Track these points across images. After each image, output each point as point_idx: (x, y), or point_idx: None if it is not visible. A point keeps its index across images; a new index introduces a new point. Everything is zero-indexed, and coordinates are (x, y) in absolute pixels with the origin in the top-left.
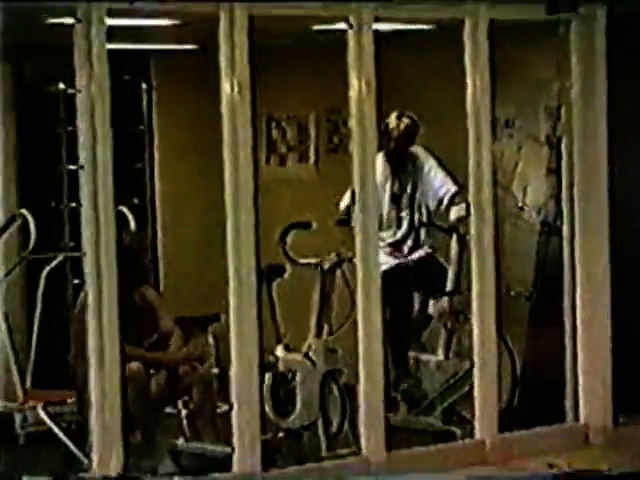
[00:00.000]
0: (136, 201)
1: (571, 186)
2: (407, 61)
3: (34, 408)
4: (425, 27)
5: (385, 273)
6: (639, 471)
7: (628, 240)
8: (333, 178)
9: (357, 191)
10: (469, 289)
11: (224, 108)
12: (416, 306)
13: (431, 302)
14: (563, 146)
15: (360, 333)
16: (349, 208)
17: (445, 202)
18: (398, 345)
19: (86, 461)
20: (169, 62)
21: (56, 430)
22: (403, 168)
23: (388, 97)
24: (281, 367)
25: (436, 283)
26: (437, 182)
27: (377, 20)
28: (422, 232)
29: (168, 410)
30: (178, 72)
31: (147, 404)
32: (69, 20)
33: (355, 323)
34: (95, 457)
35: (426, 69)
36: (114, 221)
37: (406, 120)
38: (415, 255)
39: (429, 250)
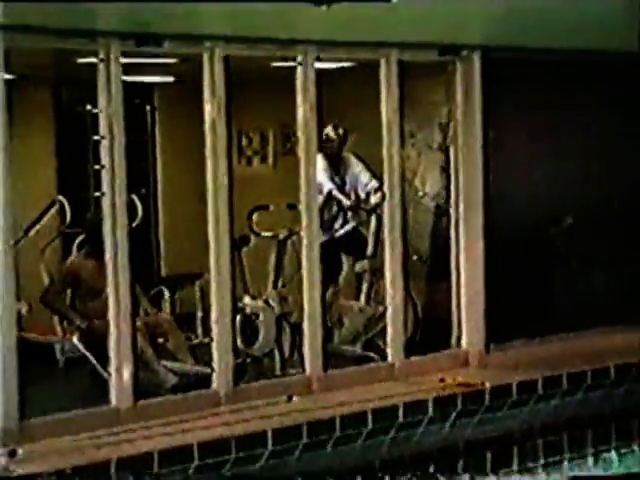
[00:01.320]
0: (143, 191)
1: (457, 180)
2: (340, 89)
3: (70, 340)
4: (353, 64)
5: (324, 242)
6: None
7: (496, 218)
8: (285, 174)
9: (302, 183)
10: (383, 254)
11: (207, 123)
12: (345, 266)
13: (357, 264)
14: (451, 152)
15: (305, 285)
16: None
17: (370, 193)
18: (334, 291)
19: (106, 374)
20: (167, 90)
21: (87, 354)
22: (337, 167)
23: (327, 115)
24: (248, 310)
25: (360, 249)
26: (363, 179)
27: (318, 59)
28: (349, 213)
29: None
30: (173, 97)
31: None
32: (94, 59)
33: (301, 278)
34: (112, 371)
35: (354, 95)
36: (126, 206)
37: (340, 131)
38: (345, 229)
39: (355, 225)
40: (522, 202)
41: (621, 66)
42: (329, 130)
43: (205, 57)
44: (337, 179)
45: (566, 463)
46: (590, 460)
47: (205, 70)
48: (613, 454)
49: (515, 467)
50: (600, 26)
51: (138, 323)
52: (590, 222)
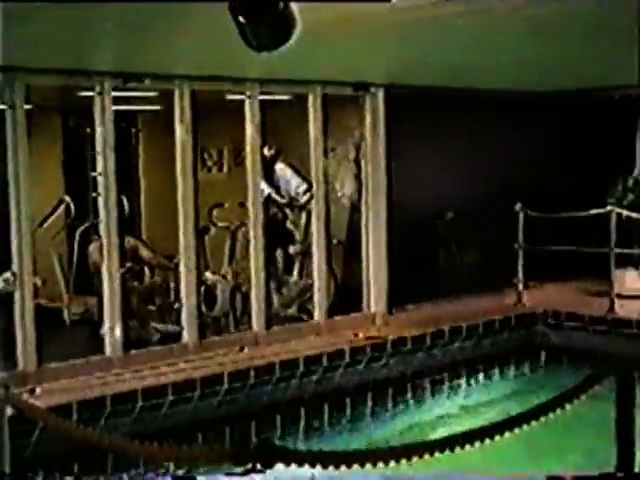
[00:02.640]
0: (129, 193)
1: (366, 184)
2: (279, 116)
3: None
4: (288, 97)
5: (267, 231)
6: None
7: (396, 213)
8: (237, 180)
9: (249, 187)
10: (311, 239)
11: (177, 142)
12: (281, 249)
13: (291, 247)
14: (362, 163)
15: (252, 263)
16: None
17: (300, 193)
18: (274, 268)
19: (102, 330)
20: (148, 116)
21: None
22: (273, 176)
23: (271, 134)
24: (209, 282)
25: (293, 236)
26: (294, 182)
27: (262, 93)
28: (289, 209)
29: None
30: (152, 122)
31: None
32: (92, 93)
33: (249, 258)
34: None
35: (289, 120)
36: (116, 203)
37: (273, 150)
38: (284, 220)
39: (290, 218)
40: (416, 201)
41: (500, 99)
42: (265, 149)
43: (176, 91)
44: (277, 183)
45: (446, 391)
46: (463, 389)
47: (176, 101)
48: (481, 385)
49: (409, 397)
50: (483, 69)
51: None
52: (465, 216)
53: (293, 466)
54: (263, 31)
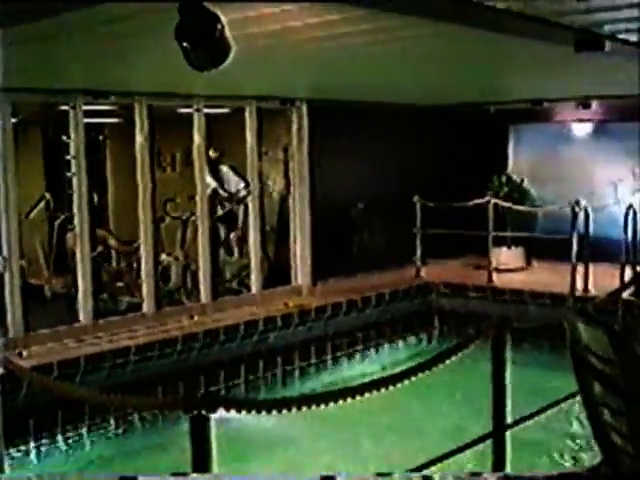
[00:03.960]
0: (99, 190)
1: (293, 181)
2: (221, 126)
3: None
4: (229, 110)
5: (212, 220)
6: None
7: (318, 204)
8: (186, 178)
9: (197, 184)
10: (248, 227)
11: (137, 147)
12: (223, 234)
13: (232, 233)
14: (290, 164)
15: (199, 247)
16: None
17: (239, 190)
18: (217, 250)
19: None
20: (114, 126)
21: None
22: (218, 174)
23: (217, 140)
24: (164, 263)
25: (234, 224)
26: (235, 180)
27: (207, 107)
28: (229, 202)
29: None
30: (117, 131)
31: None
32: (67, 107)
33: (197, 243)
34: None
35: (230, 129)
36: (87, 199)
37: (217, 152)
38: (225, 211)
39: (230, 209)
40: (334, 194)
41: (403, 111)
42: (211, 152)
43: (136, 106)
44: (220, 181)
45: (360, 351)
46: (373, 349)
47: (136, 114)
48: (387, 346)
49: (329, 356)
50: (387, 85)
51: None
52: (374, 206)
53: (232, 412)
54: (203, 54)
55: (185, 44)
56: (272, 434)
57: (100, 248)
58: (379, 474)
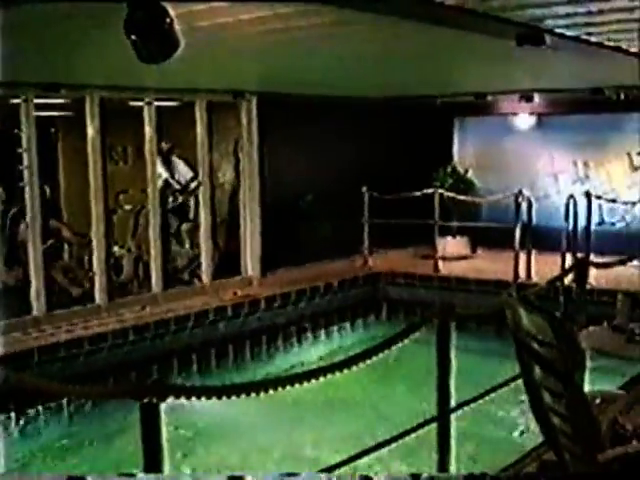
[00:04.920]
0: (51, 183)
1: (243, 173)
2: (172, 118)
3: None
4: (178, 103)
5: (163, 212)
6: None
7: (268, 195)
8: (138, 170)
9: (148, 176)
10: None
11: (89, 140)
12: (175, 226)
13: (183, 225)
14: (240, 156)
15: (151, 238)
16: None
17: (190, 181)
18: (169, 242)
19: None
20: (65, 119)
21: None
22: (170, 165)
23: (169, 134)
24: (117, 254)
25: (186, 216)
26: (186, 172)
27: (157, 100)
28: (180, 194)
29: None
30: (69, 124)
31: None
32: (19, 100)
33: (149, 234)
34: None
35: (182, 122)
36: (39, 192)
37: (169, 144)
38: (177, 203)
39: (182, 201)
40: (283, 185)
41: (351, 104)
42: (163, 145)
43: (87, 99)
44: (171, 174)
45: (309, 339)
46: (322, 337)
47: (87, 106)
48: (336, 333)
49: (280, 344)
50: (336, 78)
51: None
52: (323, 197)
53: (182, 399)
54: (152, 47)
55: (134, 37)
56: (228, 422)
57: (52, 240)
58: (323, 470)
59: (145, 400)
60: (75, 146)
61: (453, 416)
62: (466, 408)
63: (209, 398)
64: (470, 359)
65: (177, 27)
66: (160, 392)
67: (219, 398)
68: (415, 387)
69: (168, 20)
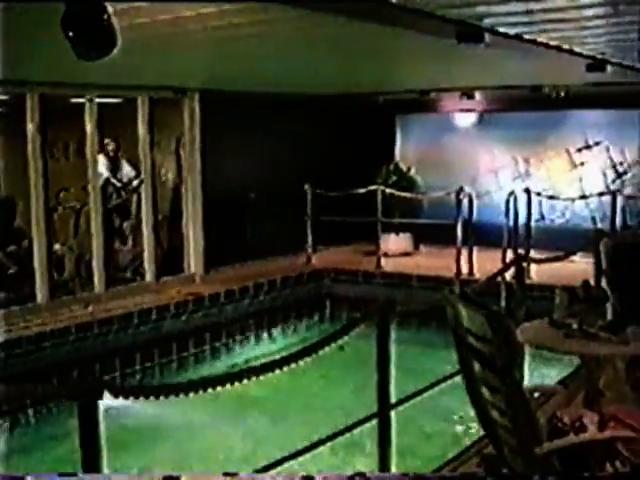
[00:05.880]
0: None
1: (185, 170)
2: (114, 115)
3: None
4: (120, 100)
5: (105, 210)
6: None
7: (210, 193)
8: (78, 166)
9: (89, 174)
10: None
11: (29, 137)
12: (117, 224)
13: (125, 223)
14: (182, 154)
15: (93, 236)
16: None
17: (132, 179)
18: (111, 240)
19: None
20: (4, 115)
21: None
22: (112, 163)
23: (112, 130)
24: (59, 253)
25: (128, 214)
26: (127, 170)
27: (99, 97)
28: (122, 191)
29: None
30: (9, 120)
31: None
32: None
33: (90, 232)
34: None
35: (124, 119)
36: None
37: (113, 143)
38: (119, 201)
39: (124, 199)
40: (226, 183)
41: (294, 101)
42: (107, 142)
43: (27, 95)
44: (112, 171)
45: (253, 337)
46: (266, 335)
47: (27, 103)
48: (280, 331)
49: (223, 342)
50: (278, 76)
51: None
52: (267, 194)
53: (120, 399)
54: (89, 43)
55: (71, 34)
56: (170, 421)
57: None
58: (264, 468)
59: (83, 400)
60: (16, 143)
61: (395, 411)
62: (407, 403)
63: (147, 398)
64: (416, 352)
65: (116, 23)
66: (98, 392)
67: (157, 398)
68: (362, 383)
69: (106, 16)
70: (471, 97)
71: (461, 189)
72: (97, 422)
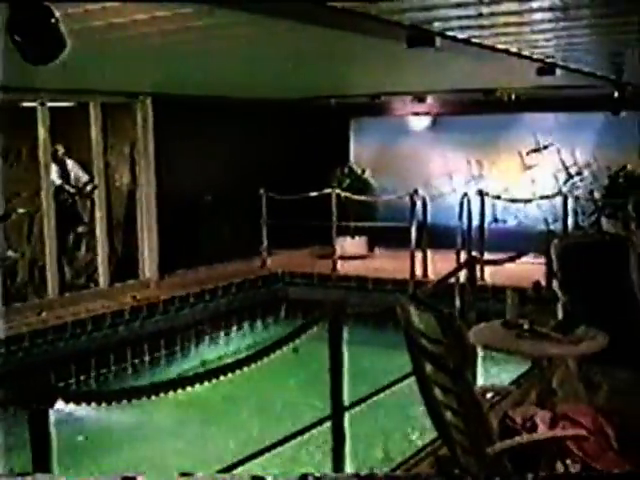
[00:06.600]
0: None
1: (140, 174)
2: (67, 120)
3: None
4: (73, 104)
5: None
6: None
7: (164, 197)
8: (32, 172)
9: (42, 179)
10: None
11: None
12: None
13: (79, 228)
14: (136, 157)
15: (46, 242)
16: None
17: (85, 184)
18: (64, 246)
19: None
20: None
21: None
22: (65, 168)
23: (61, 136)
24: (11, 259)
25: (82, 219)
26: (81, 175)
27: (51, 101)
28: (75, 197)
29: None
30: None
31: None
32: None
33: (44, 238)
34: None
35: (77, 124)
36: None
37: (63, 148)
38: (72, 206)
39: (78, 204)
40: (181, 187)
41: (248, 105)
42: (58, 147)
43: None
44: (65, 176)
45: (208, 341)
46: (222, 339)
47: None
48: (235, 335)
49: (179, 347)
50: (232, 80)
51: None
52: (222, 198)
53: (71, 404)
54: (36, 48)
55: (17, 37)
56: (124, 426)
57: None
58: (218, 471)
59: (33, 407)
60: None
61: (349, 413)
62: (362, 405)
63: (98, 403)
64: (372, 354)
65: (63, 27)
66: (48, 398)
67: (108, 403)
68: (317, 385)
69: (53, 20)
70: (423, 100)
71: (415, 192)
72: (48, 429)
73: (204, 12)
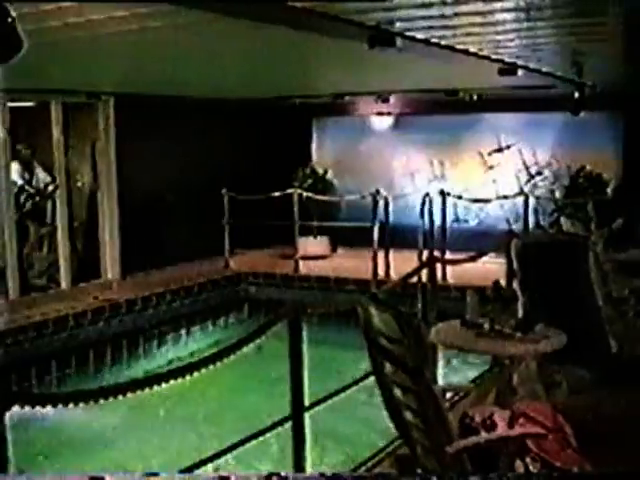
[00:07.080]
0: None
1: (101, 174)
2: (28, 120)
3: None
4: (33, 104)
5: (19, 216)
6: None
7: (126, 197)
8: None
9: (2, 180)
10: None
11: None
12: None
13: (40, 229)
14: (97, 156)
15: (7, 243)
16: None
17: (46, 185)
18: (25, 247)
19: None
20: None
21: None
22: (26, 168)
23: (23, 136)
24: None
25: (43, 220)
26: (42, 176)
27: (11, 101)
28: (37, 197)
29: None
30: None
31: None
32: None
33: (4, 239)
34: None
35: (37, 125)
36: None
37: (24, 148)
38: (33, 207)
39: (39, 205)
40: (142, 187)
41: (210, 105)
42: (22, 146)
43: None
44: (26, 177)
45: (170, 341)
46: (184, 339)
47: None
48: (198, 335)
49: (141, 348)
50: (195, 80)
51: None
52: (184, 198)
53: (27, 407)
54: None
55: None
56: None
57: None
58: (181, 471)
59: None
60: None
61: (309, 413)
62: (323, 405)
63: (55, 405)
64: (334, 353)
65: (20, 27)
66: (4, 400)
67: (65, 405)
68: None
69: (9, 20)
70: (386, 100)
71: (377, 192)
72: (4, 433)
73: (161, 12)
